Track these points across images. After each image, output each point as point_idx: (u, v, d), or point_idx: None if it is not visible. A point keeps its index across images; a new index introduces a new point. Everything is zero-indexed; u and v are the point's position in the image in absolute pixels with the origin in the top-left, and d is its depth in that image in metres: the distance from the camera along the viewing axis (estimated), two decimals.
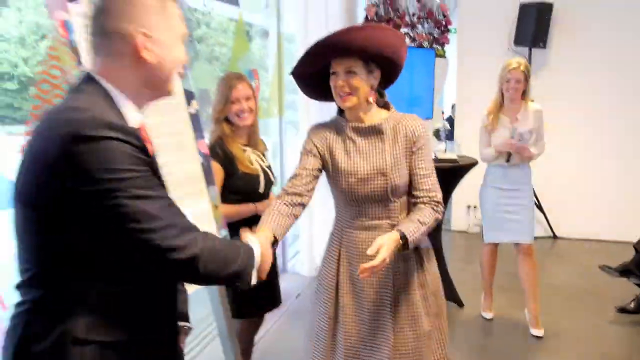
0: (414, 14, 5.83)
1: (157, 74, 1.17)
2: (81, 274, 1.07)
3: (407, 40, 5.85)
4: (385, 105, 1.93)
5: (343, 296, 1.95)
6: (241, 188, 2.38)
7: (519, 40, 5.43)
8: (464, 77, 5.87)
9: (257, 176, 2.43)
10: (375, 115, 1.89)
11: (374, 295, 1.91)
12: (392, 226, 1.85)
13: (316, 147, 1.90)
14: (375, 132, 1.87)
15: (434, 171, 1.88)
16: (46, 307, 1.08)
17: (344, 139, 1.89)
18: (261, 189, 2.44)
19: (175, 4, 1.20)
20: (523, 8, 5.34)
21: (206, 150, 2.09)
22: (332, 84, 1.82)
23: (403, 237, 1.73)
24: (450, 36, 5.85)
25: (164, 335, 1.24)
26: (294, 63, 1.84)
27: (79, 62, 1.51)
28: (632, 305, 3.80)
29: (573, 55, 5.37)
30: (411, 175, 1.86)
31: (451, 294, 3.83)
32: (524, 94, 3.46)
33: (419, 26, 5.82)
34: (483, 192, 3.65)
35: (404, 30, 5.80)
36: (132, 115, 1.15)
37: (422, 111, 4.16)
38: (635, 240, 3.80)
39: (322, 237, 4.62)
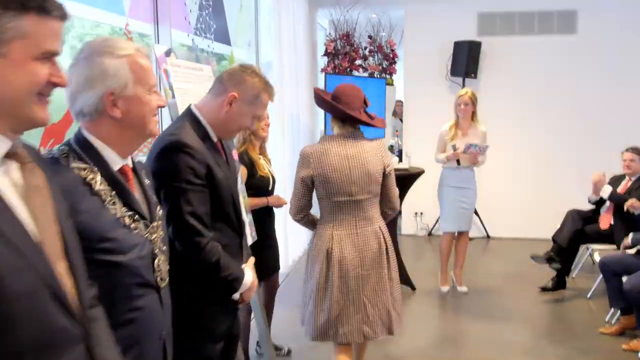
0: (365, 48, 6.76)
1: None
2: None
3: (361, 70, 6.77)
4: None
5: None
6: (258, 186, 3.09)
7: (454, 71, 6.44)
8: (410, 101, 6.83)
9: (268, 178, 3.17)
10: None
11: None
12: None
13: None
14: None
15: None
16: None
17: None
18: (270, 187, 3.19)
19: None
20: (457, 45, 6.37)
21: (237, 157, 2.82)
22: None
23: None
24: (397, 67, 6.83)
25: None
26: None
27: (173, 96, 2.23)
28: (550, 284, 4.76)
29: (497, 82, 6.44)
30: None
31: (407, 280, 4.66)
32: (473, 115, 4.52)
33: (371, 58, 6.74)
34: (441, 191, 4.67)
35: (358, 62, 6.72)
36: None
37: (376, 131, 4.98)
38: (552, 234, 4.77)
39: (296, 235, 5.35)
